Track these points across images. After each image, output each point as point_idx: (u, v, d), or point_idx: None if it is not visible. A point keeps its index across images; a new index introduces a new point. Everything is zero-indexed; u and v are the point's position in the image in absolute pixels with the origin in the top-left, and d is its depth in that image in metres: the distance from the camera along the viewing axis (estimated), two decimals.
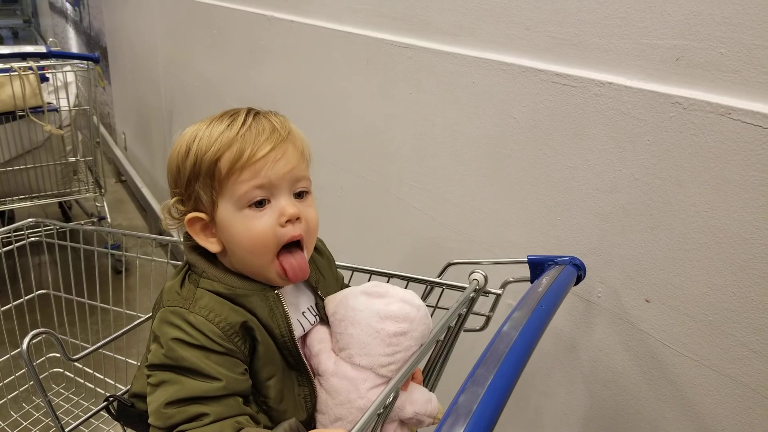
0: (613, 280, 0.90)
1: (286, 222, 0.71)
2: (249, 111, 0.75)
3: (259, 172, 0.70)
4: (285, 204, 0.71)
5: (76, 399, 1.61)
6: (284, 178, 0.71)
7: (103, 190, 2.83)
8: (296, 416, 0.74)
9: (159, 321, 0.71)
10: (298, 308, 0.80)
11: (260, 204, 0.71)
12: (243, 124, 0.72)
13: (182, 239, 0.79)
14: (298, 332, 0.77)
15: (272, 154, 0.70)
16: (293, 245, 0.73)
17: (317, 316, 0.82)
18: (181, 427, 0.65)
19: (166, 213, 0.76)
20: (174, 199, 0.75)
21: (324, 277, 0.86)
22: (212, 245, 0.74)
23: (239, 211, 0.71)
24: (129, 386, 0.88)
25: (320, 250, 0.88)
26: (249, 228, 0.70)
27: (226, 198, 0.71)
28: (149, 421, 0.68)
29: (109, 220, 2.85)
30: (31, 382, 1.59)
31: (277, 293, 0.75)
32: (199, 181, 0.72)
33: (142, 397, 0.75)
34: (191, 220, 0.74)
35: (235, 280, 0.73)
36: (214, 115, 0.77)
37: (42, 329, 0.77)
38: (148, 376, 0.70)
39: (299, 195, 0.75)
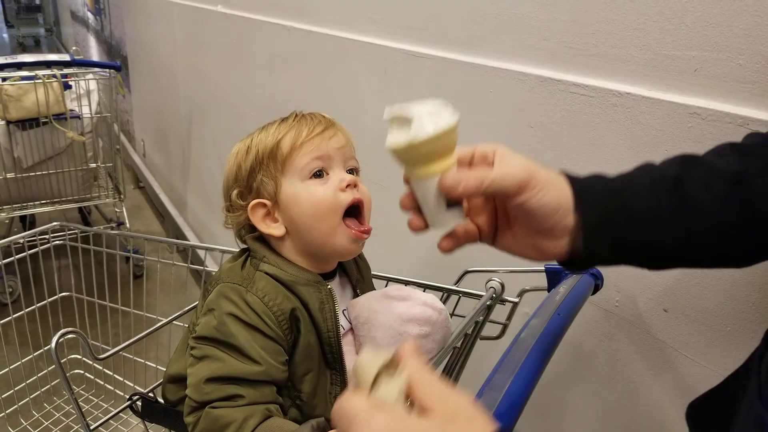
0: (631, 290, 0.90)
1: (346, 186, 0.77)
2: (294, 112, 0.83)
3: (317, 146, 0.78)
4: (342, 174, 0.79)
5: (96, 401, 1.63)
6: (338, 153, 0.79)
7: (122, 196, 2.87)
8: (325, 413, 0.76)
9: (217, 294, 0.75)
10: (341, 305, 0.82)
11: (320, 175, 0.77)
12: (295, 117, 0.81)
13: (243, 234, 0.83)
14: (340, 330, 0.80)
15: (326, 132, 0.79)
16: (354, 214, 0.79)
17: None
18: (214, 404, 0.69)
19: (227, 211, 0.82)
20: (235, 191, 0.80)
21: (363, 279, 0.90)
22: (275, 229, 0.78)
23: (302, 182, 0.77)
24: (152, 386, 0.90)
25: (360, 255, 0.92)
26: (314, 194, 0.76)
27: (289, 174, 0.77)
28: (187, 392, 0.72)
29: (127, 225, 2.89)
30: (53, 382, 1.61)
31: (330, 288, 0.78)
32: (261, 168, 0.78)
33: (180, 381, 0.78)
34: (254, 207, 0.78)
35: (293, 268, 0.78)
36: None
37: (70, 329, 0.79)
38: (193, 348, 0.73)
39: (351, 173, 0.81)
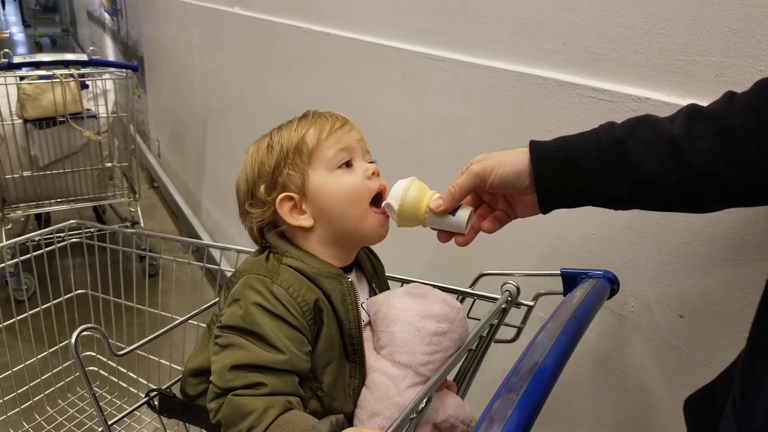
0: (647, 295, 0.90)
1: (371, 175, 0.82)
2: (310, 111, 0.86)
3: (340, 139, 0.82)
4: (365, 164, 0.83)
5: (109, 398, 1.65)
6: (359, 145, 0.84)
7: (137, 196, 2.89)
8: (344, 406, 0.77)
9: (243, 285, 0.77)
10: (360, 299, 0.84)
11: (347, 165, 0.82)
12: (312, 114, 0.85)
13: (264, 233, 0.84)
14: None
15: (346, 126, 0.84)
16: (375, 201, 0.82)
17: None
18: (237, 392, 0.70)
19: (250, 209, 0.82)
20: (262, 186, 0.81)
21: (378, 276, 0.92)
22: (304, 221, 0.81)
23: (331, 172, 0.81)
24: (168, 383, 0.91)
25: (375, 254, 0.95)
26: (343, 183, 0.80)
27: (316, 166, 0.81)
28: (211, 379, 0.73)
29: (142, 224, 2.91)
30: (68, 379, 1.63)
31: (351, 281, 0.80)
32: (287, 163, 0.81)
33: (201, 374, 0.80)
34: (282, 200, 0.80)
35: (315, 261, 0.80)
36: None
37: (90, 325, 0.80)
38: (218, 337, 0.75)
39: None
